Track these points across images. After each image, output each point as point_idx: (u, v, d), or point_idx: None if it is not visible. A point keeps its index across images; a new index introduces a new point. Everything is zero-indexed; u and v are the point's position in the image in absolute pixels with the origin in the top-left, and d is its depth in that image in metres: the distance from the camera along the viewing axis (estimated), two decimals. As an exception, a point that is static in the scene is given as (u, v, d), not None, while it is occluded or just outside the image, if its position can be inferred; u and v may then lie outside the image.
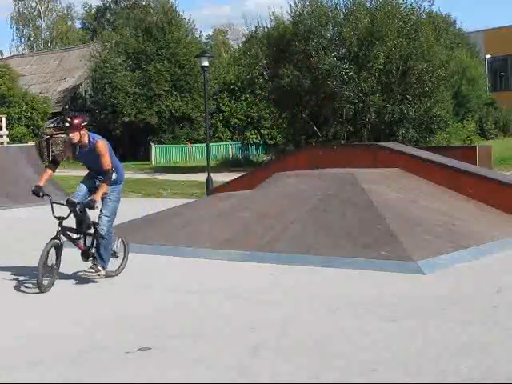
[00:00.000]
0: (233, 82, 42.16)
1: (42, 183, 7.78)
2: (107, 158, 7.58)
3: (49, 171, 7.94)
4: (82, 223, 7.91)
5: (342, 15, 27.22)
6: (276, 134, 39.03)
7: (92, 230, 7.91)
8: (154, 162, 40.00)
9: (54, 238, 7.61)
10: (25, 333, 5.96)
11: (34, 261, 9.67)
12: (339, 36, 26.62)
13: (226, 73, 43.05)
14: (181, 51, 41.08)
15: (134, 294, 7.38)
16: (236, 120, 42.20)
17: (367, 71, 25.25)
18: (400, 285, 7.28)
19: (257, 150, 41.57)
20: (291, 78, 26.26)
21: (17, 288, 7.87)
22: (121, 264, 8.38)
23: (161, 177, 29.71)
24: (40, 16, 73.29)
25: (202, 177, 23.99)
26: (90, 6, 75.07)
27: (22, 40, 73.38)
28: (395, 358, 4.94)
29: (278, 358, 5.06)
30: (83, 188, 7.92)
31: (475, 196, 11.09)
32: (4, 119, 22.79)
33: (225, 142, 41.72)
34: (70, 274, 8.57)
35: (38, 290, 7.43)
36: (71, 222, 7.91)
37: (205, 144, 25.85)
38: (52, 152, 44.86)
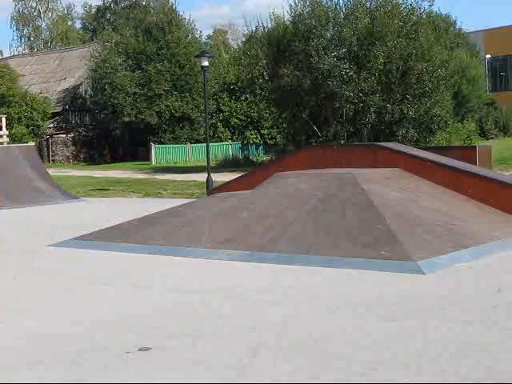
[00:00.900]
0: (233, 81, 42.18)
1: None
2: None
3: None
4: None
5: (342, 15, 27.23)
6: (276, 133, 39.06)
7: None
8: (153, 162, 40.02)
9: None
10: (25, 333, 5.96)
11: (34, 261, 9.70)
12: (339, 36, 26.62)
13: (225, 73, 43.08)
14: (181, 51, 41.10)
15: (134, 293, 7.39)
16: (236, 120, 42.22)
17: (367, 71, 25.26)
18: (400, 285, 7.28)
19: (257, 149, 41.58)
20: (291, 78, 26.26)
21: (16, 288, 7.88)
22: None
23: (161, 177, 29.73)
24: (40, 16, 73.33)
25: (202, 177, 24.00)
26: (90, 6, 75.15)
27: (22, 40, 73.47)
28: (395, 358, 4.94)
29: (278, 358, 5.06)
30: None
31: (475, 196, 11.09)
32: (4, 119, 22.78)
33: (225, 142, 41.74)
34: (69, 274, 8.58)
35: (37, 292, 7.43)
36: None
37: (205, 144, 25.85)
38: (52, 152, 44.95)
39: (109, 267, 8.87)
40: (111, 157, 44.02)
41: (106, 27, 55.21)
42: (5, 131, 22.48)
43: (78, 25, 77.01)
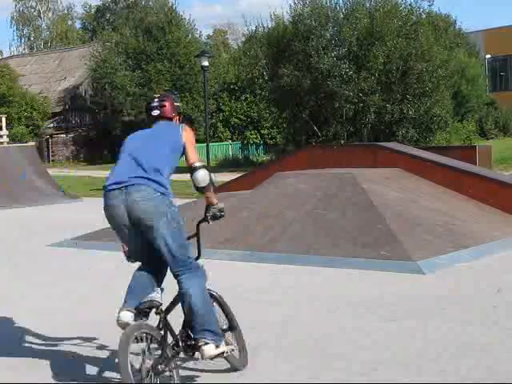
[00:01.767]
0: (233, 81, 42.16)
1: None
2: None
3: None
4: None
5: (341, 15, 27.23)
6: (276, 133, 39.03)
7: None
8: (153, 162, 40.00)
9: None
10: (25, 333, 5.96)
11: (34, 261, 9.70)
12: (339, 36, 26.63)
13: (225, 73, 43.06)
14: (181, 51, 41.09)
15: (134, 293, 7.37)
16: (236, 120, 42.21)
17: (367, 71, 25.25)
18: (400, 285, 7.28)
19: (257, 149, 41.56)
20: (291, 78, 26.26)
21: (17, 288, 7.88)
22: None
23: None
24: (40, 16, 73.30)
25: (201, 177, 23.97)
26: (90, 6, 75.14)
27: (22, 40, 73.42)
28: (395, 358, 4.94)
29: (278, 358, 5.06)
30: None
31: (475, 196, 11.09)
32: (4, 119, 22.77)
33: (225, 142, 41.73)
34: (69, 274, 8.58)
35: (37, 292, 7.43)
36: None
37: (205, 144, 25.84)
38: (52, 152, 44.93)
39: (109, 267, 8.86)
40: (111, 157, 44.00)
41: (106, 27, 55.18)
42: (5, 131, 22.47)
43: (77, 25, 77.03)
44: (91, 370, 4.96)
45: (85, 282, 8.06)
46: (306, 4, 27.54)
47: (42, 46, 70.58)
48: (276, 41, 27.91)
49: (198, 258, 4.78)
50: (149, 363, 4.12)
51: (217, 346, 4.49)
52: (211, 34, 73.50)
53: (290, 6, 27.92)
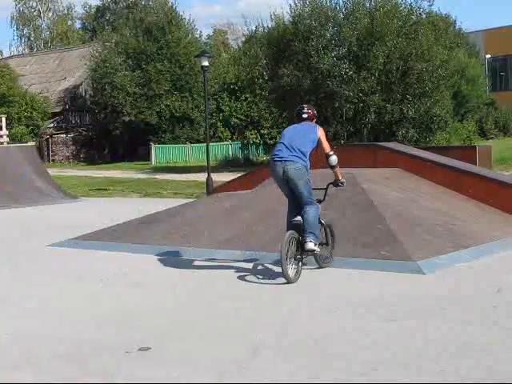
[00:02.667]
0: (233, 81, 42.17)
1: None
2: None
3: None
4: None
5: (341, 15, 27.24)
6: (276, 134, 39.02)
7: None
8: (153, 162, 40.02)
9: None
10: (25, 333, 5.96)
11: (33, 261, 9.70)
12: (339, 36, 26.64)
13: (225, 73, 43.07)
14: (181, 51, 41.10)
15: (134, 293, 7.38)
16: (236, 120, 42.21)
17: (367, 71, 25.26)
18: (400, 285, 7.28)
19: (257, 149, 41.57)
20: (291, 78, 26.27)
21: (17, 288, 7.88)
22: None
23: (161, 177, 29.73)
24: (40, 16, 73.33)
25: (202, 177, 24.01)
26: (90, 6, 75.15)
27: (22, 40, 73.47)
28: (395, 358, 4.94)
29: (278, 357, 5.06)
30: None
31: (475, 196, 11.09)
32: (4, 119, 22.78)
33: (225, 142, 41.73)
34: (69, 274, 8.58)
35: (37, 292, 7.43)
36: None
37: (205, 144, 25.85)
38: (52, 152, 44.95)
39: (108, 267, 8.87)
40: (111, 157, 44.01)
41: (106, 27, 55.21)
42: (5, 131, 22.48)
43: (77, 25, 77.06)
44: (91, 369, 4.96)
45: (85, 281, 8.06)
46: (305, 4, 27.55)
47: (42, 46, 70.62)
48: (276, 41, 27.92)
49: (320, 202, 8.04)
50: (293, 252, 7.53)
51: (315, 244, 7.64)
52: (211, 34, 73.53)
53: (290, 5, 27.97)
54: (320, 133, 7.87)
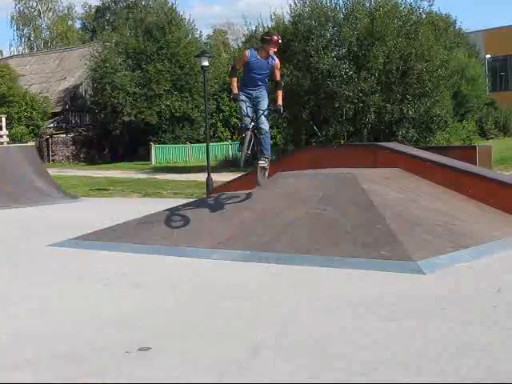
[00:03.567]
0: (233, 81, 42.12)
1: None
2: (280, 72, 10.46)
3: (234, 79, 10.70)
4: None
5: (341, 15, 27.23)
6: (276, 133, 39.00)
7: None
8: (153, 162, 40.02)
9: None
10: (25, 333, 5.96)
11: (34, 261, 9.70)
12: (339, 36, 26.63)
13: (226, 73, 43.04)
14: (181, 51, 41.10)
15: (134, 293, 7.38)
16: (236, 120, 42.18)
17: (367, 71, 25.25)
18: (400, 285, 7.28)
19: (257, 150, 41.50)
20: (291, 78, 26.26)
21: (17, 288, 7.88)
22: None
23: (161, 177, 29.73)
24: (40, 16, 73.34)
25: (201, 177, 24.01)
26: (90, 6, 75.15)
27: (22, 40, 73.49)
28: (395, 358, 4.94)
29: (278, 357, 5.06)
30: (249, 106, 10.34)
31: (475, 196, 11.08)
32: (4, 119, 22.78)
33: (225, 142, 41.73)
34: (69, 274, 8.58)
35: (37, 292, 7.43)
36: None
37: (205, 144, 25.84)
38: (52, 152, 44.94)
39: (108, 267, 8.87)
40: (111, 157, 44.02)
41: (106, 27, 55.21)
42: (5, 131, 22.48)
43: (77, 25, 77.09)
44: (91, 369, 4.96)
45: (85, 281, 8.06)
46: (305, 4, 27.53)
47: (42, 46, 70.65)
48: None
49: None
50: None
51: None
52: (211, 34, 73.55)
53: (290, 5, 27.95)
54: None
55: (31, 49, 71.04)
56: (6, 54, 66.68)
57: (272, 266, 8.41)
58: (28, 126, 42.55)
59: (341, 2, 27.44)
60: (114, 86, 40.54)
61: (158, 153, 41.04)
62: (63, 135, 45.80)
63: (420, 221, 9.50)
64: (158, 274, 8.49)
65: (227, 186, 14.85)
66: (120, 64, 41.36)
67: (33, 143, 27.76)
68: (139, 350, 5.31)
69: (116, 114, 41.28)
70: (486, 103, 42.79)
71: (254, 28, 31.12)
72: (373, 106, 25.44)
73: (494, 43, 46.86)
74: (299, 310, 6.44)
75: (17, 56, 58.03)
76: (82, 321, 6.28)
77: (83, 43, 59.33)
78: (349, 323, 5.90)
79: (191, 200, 15.77)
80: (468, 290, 7.03)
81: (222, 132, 42.42)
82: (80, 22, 76.53)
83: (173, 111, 40.71)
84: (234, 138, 42.44)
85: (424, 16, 27.77)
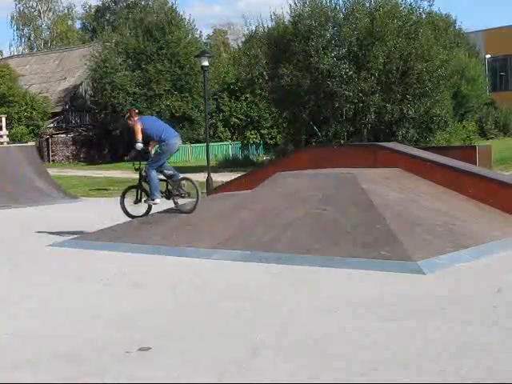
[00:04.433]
0: (233, 81, 42.17)
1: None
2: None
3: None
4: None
5: (341, 15, 27.23)
6: (276, 133, 39.04)
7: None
8: (153, 162, 39.94)
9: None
10: (25, 333, 5.96)
11: (34, 261, 9.70)
12: (339, 36, 26.63)
13: (225, 73, 43.09)
14: (181, 51, 41.10)
15: (134, 293, 7.38)
16: (236, 120, 42.22)
17: (367, 71, 25.25)
18: (400, 285, 7.28)
19: (257, 149, 41.57)
20: (291, 78, 26.26)
21: (17, 288, 7.88)
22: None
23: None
24: (40, 16, 73.32)
25: (202, 177, 23.98)
26: (90, 6, 75.14)
27: (22, 40, 73.47)
28: (395, 358, 4.94)
29: (278, 357, 5.06)
30: None
31: (475, 196, 11.08)
32: (4, 119, 22.77)
33: (225, 142, 41.72)
34: (69, 274, 8.58)
35: (37, 292, 7.42)
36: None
37: (205, 144, 25.84)
38: (52, 152, 44.93)
39: (108, 267, 8.87)
40: (111, 157, 44.00)
41: (106, 27, 55.19)
42: (5, 131, 22.47)
43: (77, 25, 77.07)
44: (91, 369, 4.96)
45: (85, 281, 8.06)
46: (305, 4, 27.53)
47: (42, 46, 70.62)
48: (276, 41, 27.90)
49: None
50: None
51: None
52: (211, 34, 73.54)
53: (290, 5, 27.95)
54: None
55: (31, 49, 71.02)
56: (6, 53, 66.70)
57: (272, 265, 8.41)
58: (28, 126, 42.53)
59: (341, 2, 27.49)
60: (114, 85, 40.54)
61: (158, 153, 41.00)
62: (63, 135, 45.78)
63: (420, 221, 9.50)
64: (157, 274, 8.49)
65: (227, 185, 14.85)
66: (120, 64, 41.35)
67: (33, 143, 27.75)
68: (139, 349, 5.31)
69: (116, 114, 41.26)
70: (485, 103, 42.80)
71: (253, 28, 31.11)
72: (373, 106, 25.44)
73: (494, 43, 46.87)
74: (299, 310, 6.44)
75: (17, 56, 58.01)
76: (82, 321, 6.28)
77: (83, 43, 59.32)
78: (349, 323, 5.90)
79: (191, 200, 15.76)
80: (468, 290, 7.03)
81: (221, 132, 42.42)
82: (80, 22, 76.58)
83: (173, 111, 40.70)
84: (234, 138, 42.47)
85: (424, 16, 27.79)
